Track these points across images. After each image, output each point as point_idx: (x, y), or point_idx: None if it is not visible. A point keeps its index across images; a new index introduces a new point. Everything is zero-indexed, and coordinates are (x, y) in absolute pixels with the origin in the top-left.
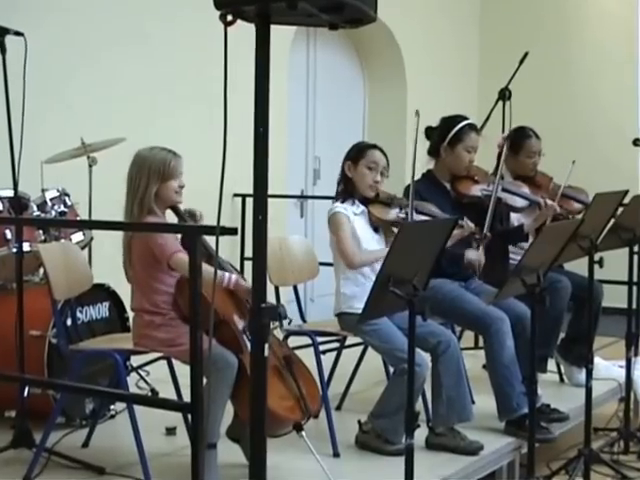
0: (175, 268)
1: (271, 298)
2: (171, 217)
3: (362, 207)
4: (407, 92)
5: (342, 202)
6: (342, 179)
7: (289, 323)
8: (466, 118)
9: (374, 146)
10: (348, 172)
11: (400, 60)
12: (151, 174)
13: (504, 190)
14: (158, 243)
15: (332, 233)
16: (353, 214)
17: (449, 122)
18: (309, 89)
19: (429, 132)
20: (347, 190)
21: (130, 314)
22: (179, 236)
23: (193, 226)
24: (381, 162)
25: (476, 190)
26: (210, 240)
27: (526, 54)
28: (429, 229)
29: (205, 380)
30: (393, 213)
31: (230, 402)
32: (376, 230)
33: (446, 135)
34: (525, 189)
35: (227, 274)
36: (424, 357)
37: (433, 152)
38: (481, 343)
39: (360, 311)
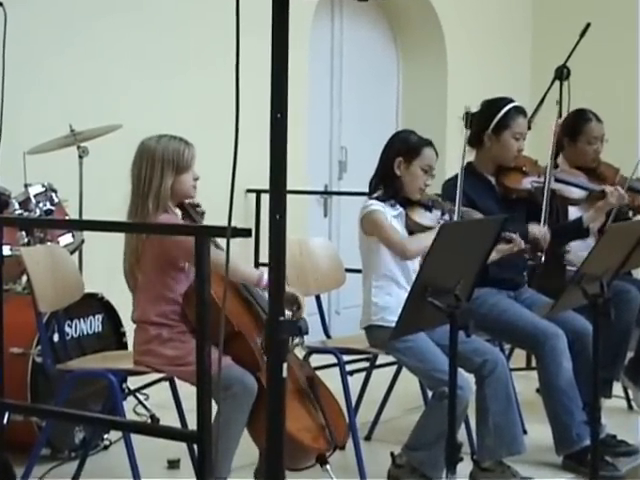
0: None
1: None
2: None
3: (400, 209)
4: (448, 72)
5: (381, 201)
6: (385, 175)
7: (303, 335)
8: (511, 100)
9: (429, 143)
10: (397, 170)
11: (440, 35)
12: (165, 166)
13: (557, 180)
14: (180, 240)
15: (368, 234)
16: (391, 216)
17: (492, 106)
18: (334, 69)
19: (469, 118)
20: (392, 190)
21: (127, 328)
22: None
23: (201, 227)
24: (434, 164)
25: (526, 183)
26: (221, 242)
27: (588, 26)
28: (474, 229)
29: (215, 405)
30: (433, 218)
31: (246, 429)
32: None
33: (490, 121)
34: (582, 177)
35: (266, 272)
36: (467, 379)
37: (474, 141)
38: (534, 363)
39: (393, 325)
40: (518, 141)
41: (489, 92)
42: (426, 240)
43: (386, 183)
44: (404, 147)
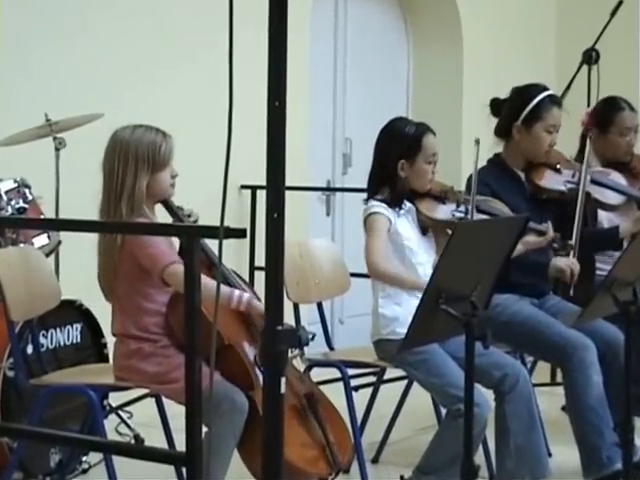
0: (171, 283)
1: (289, 319)
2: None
3: (408, 204)
4: (464, 56)
5: (387, 204)
6: (387, 178)
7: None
8: (545, 88)
9: (426, 128)
10: (402, 172)
11: (455, 14)
12: (139, 163)
13: (593, 182)
14: (149, 253)
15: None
16: (395, 219)
17: (524, 94)
18: (337, 52)
19: (497, 106)
20: (398, 193)
21: (109, 339)
22: (175, 243)
23: (190, 226)
24: (436, 147)
25: (558, 182)
26: (212, 244)
27: (619, 4)
28: (492, 229)
29: (204, 426)
30: (447, 211)
31: (237, 452)
32: (424, 232)
33: (520, 111)
34: (621, 180)
35: (237, 292)
36: (485, 395)
37: (502, 132)
38: (560, 377)
39: (403, 337)
40: (551, 135)
41: (509, 79)
42: (399, 279)
43: (390, 185)
44: (404, 146)
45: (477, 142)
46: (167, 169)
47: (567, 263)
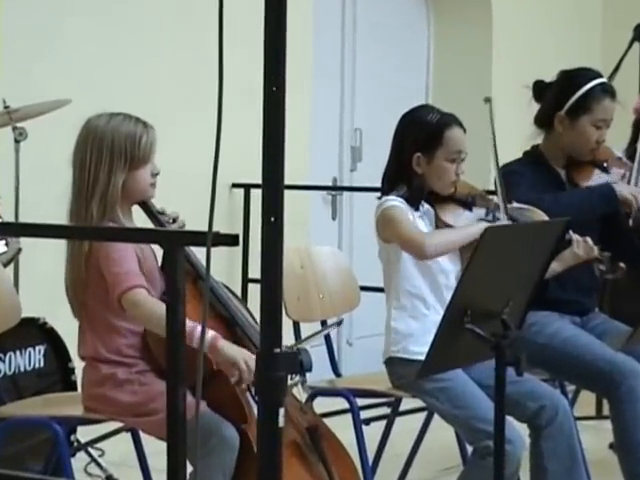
0: (129, 314)
1: (288, 340)
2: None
3: (427, 205)
4: (493, 32)
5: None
6: (403, 174)
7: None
8: (597, 75)
9: (452, 120)
10: (418, 168)
11: None
12: (115, 157)
13: None
14: (111, 271)
15: (385, 239)
16: (414, 215)
17: (572, 79)
18: (345, 29)
19: (541, 90)
20: (416, 192)
21: (77, 363)
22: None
23: (173, 232)
24: (465, 145)
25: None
26: (199, 253)
27: None
28: (526, 235)
29: (189, 465)
30: (472, 218)
31: None
32: None
33: (566, 99)
34: None
35: (198, 327)
36: (519, 431)
37: (543, 121)
38: (606, 410)
39: (419, 358)
40: (599, 130)
41: (547, 61)
42: (452, 235)
43: (407, 182)
44: (421, 137)
45: (487, 100)
46: (147, 166)
47: (632, 191)
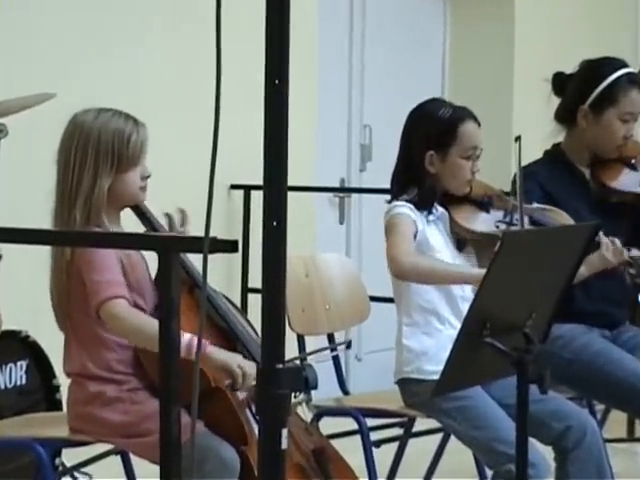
0: (106, 323)
1: (292, 355)
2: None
3: (440, 209)
4: (515, 24)
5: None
6: (414, 174)
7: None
8: (623, 64)
9: (466, 114)
10: (430, 167)
11: None
12: (101, 158)
13: None
14: (91, 279)
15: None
16: (425, 223)
17: (596, 69)
18: (354, 19)
19: (562, 82)
20: (427, 193)
21: (62, 380)
22: (142, 267)
23: (167, 237)
24: (480, 140)
25: (635, 183)
26: (195, 260)
27: None
28: (550, 240)
29: None
30: (489, 221)
31: None
32: (460, 246)
33: (589, 91)
34: None
35: (187, 336)
36: (543, 453)
37: (565, 116)
38: (639, 432)
39: (434, 377)
40: (627, 124)
41: (573, 53)
42: (441, 266)
43: (418, 183)
44: (433, 134)
45: (517, 139)
46: (137, 168)
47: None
